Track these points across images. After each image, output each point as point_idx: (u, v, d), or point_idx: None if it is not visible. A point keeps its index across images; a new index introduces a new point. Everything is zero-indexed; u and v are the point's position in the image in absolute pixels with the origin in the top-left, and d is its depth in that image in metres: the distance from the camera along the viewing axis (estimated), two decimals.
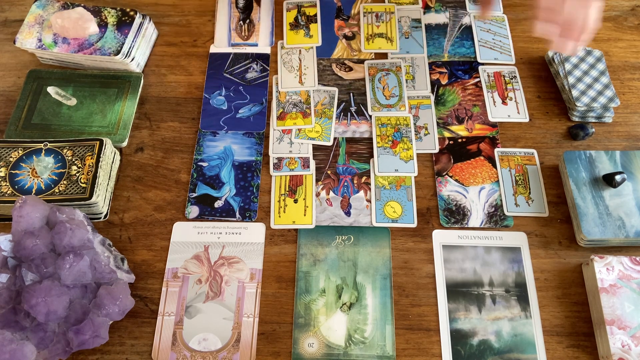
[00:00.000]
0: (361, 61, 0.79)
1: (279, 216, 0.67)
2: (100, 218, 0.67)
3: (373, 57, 0.80)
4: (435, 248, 0.65)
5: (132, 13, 0.76)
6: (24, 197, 0.59)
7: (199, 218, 0.67)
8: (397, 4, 0.84)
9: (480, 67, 0.78)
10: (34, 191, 0.63)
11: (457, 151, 0.72)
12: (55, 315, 0.55)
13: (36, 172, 0.65)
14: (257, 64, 0.79)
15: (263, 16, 0.84)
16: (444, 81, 0.77)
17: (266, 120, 0.74)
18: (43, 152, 0.66)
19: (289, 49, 0.80)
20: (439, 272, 0.64)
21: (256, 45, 0.81)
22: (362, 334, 0.60)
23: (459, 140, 0.72)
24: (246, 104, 0.75)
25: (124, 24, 0.76)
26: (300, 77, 0.78)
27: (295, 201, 0.68)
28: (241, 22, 0.83)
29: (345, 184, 0.69)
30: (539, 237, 0.66)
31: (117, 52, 0.73)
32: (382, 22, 0.82)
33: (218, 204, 0.68)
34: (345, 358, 0.59)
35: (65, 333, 0.56)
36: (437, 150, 0.72)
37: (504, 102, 0.75)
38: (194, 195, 0.69)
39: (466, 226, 0.66)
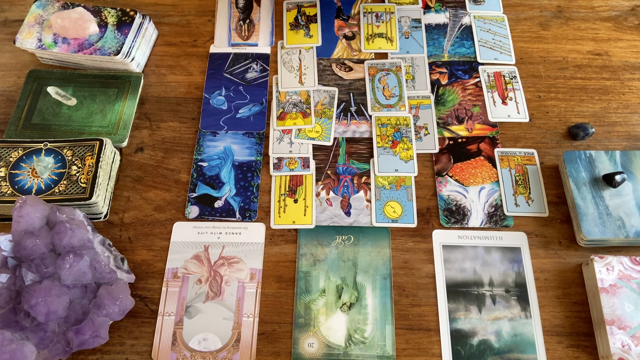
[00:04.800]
0: (361, 61, 0.79)
1: (279, 216, 0.67)
2: (100, 218, 0.67)
3: (373, 57, 0.80)
4: (435, 248, 0.65)
5: (132, 13, 0.76)
6: (24, 197, 0.59)
7: (199, 218, 0.67)
8: (397, 4, 0.84)
9: (480, 67, 0.78)
10: (34, 191, 0.63)
11: (457, 151, 0.72)
12: (55, 315, 0.55)
13: (36, 172, 0.65)
14: (257, 64, 0.79)
15: (263, 16, 0.84)
16: (444, 81, 0.77)
17: (266, 120, 0.74)
18: (43, 152, 0.66)
19: (289, 49, 0.80)
20: (439, 272, 0.64)
21: (256, 45, 0.81)
22: (362, 334, 0.60)
23: (459, 140, 0.72)
24: (246, 104, 0.75)
25: (124, 24, 0.76)
26: (300, 77, 0.78)
27: (295, 201, 0.68)
28: (241, 22, 0.83)
29: (345, 184, 0.69)
30: (539, 237, 0.66)
31: (117, 52, 0.73)
32: (382, 22, 0.82)
33: (218, 204, 0.68)
34: (345, 358, 0.59)
35: (65, 333, 0.56)
36: (437, 150, 0.72)
37: (504, 102, 0.75)
38: (194, 195, 0.69)
39: (466, 226, 0.66)
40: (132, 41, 0.76)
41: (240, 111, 0.75)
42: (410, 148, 0.71)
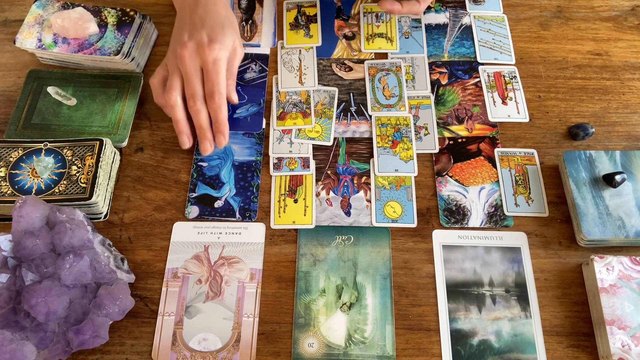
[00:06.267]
0: (361, 61, 0.79)
1: (279, 216, 0.67)
2: (100, 218, 0.67)
3: (373, 57, 0.80)
4: (435, 248, 0.65)
5: (132, 13, 0.76)
6: (24, 197, 0.59)
7: (199, 218, 0.67)
8: None
9: (480, 67, 0.78)
10: (34, 191, 0.63)
11: (457, 151, 0.72)
12: (55, 315, 0.55)
13: (36, 172, 0.65)
14: (255, 65, 0.79)
15: (265, 17, 0.84)
16: (444, 81, 0.77)
17: (263, 121, 0.74)
18: (43, 152, 0.66)
19: (289, 49, 0.80)
20: (439, 272, 0.64)
21: (258, 46, 0.81)
22: (362, 334, 0.60)
23: (459, 140, 0.72)
24: (244, 104, 0.75)
25: (124, 24, 0.76)
26: (300, 77, 0.78)
27: (295, 201, 0.68)
28: (244, 22, 0.83)
29: (345, 184, 0.69)
30: (539, 237, 0.66)
31: (117, 52, 0.73)
32: (382, 22, 0.82)
33: (218, 204, 0.68)
34: (345, 358, 0.59)
35: (65, 333, 0.56)
36: (437, 150, 0.72)
37: (504, 102, 0.75)
38: (194, 195, 0.69)
39: (466, 226, 0.66)
40: (132, 41, 0.76)
41: (237, 111, 0.75)
42: (410, 148, 0.71)
